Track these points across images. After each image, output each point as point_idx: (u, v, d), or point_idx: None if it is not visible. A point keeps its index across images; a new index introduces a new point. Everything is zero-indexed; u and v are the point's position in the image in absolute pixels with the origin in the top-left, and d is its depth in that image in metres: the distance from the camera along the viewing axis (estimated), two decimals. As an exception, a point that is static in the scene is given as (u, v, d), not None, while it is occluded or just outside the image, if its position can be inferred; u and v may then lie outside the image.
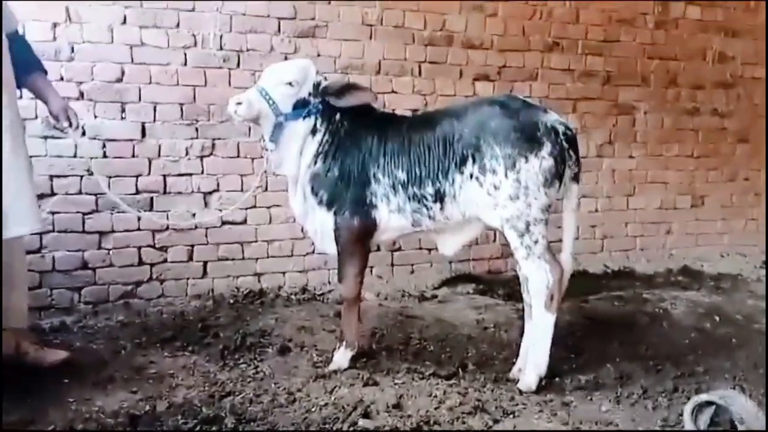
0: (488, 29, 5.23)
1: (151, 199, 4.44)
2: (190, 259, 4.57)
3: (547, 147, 3.05)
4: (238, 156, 4.62)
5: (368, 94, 3.29)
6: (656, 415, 2.88)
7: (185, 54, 4.47)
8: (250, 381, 3.18)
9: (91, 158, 3.96)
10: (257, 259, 4.73)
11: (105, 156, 4.31)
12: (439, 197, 3.19)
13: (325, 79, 3.35)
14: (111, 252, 4.37)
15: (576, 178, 3.19)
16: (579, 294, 4.68)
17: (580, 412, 2.89)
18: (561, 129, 3.09)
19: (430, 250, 5.09)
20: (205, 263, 4.60)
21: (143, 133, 4.40)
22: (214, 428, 2.65)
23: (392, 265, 5.10)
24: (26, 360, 3.24)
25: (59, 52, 4.18)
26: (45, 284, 4.23)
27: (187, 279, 4.57)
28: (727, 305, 4.60)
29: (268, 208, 4.72)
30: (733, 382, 3.24)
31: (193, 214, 4.51)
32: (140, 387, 3.07)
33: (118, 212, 4.26)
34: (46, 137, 4.17)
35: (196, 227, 4.46)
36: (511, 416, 2.83)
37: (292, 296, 4.67)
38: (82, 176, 4.25)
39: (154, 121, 4.42)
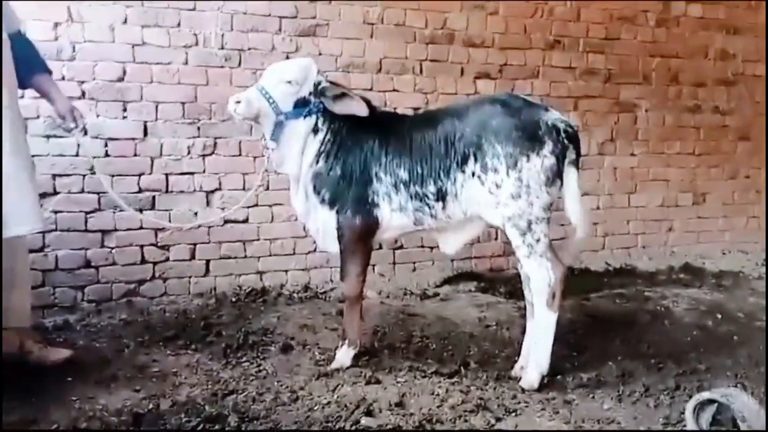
0: (489, 27, 5.24)
1: (153, 198, 4.45)
2: (193, 257, 4.58)
3: (549, 145, 3.05)
4: (239, 155, 4.63)
5: (361, 107, 3.23)
6: (658, 413, 2.88)
7: (187, 53, 4.47)
8: (253, 379, 3.19)
9: (94, 157, 3.95)
10: (259, 257, 4.74)
11: (107, 155, 4.32)
12: (441, 196, 3.20)
13: (327, 79, 3.35)
14: (114, 250, 4.38)
15: (575, 164, 3.15)
16: (581, 292, 4.70)
17: (582, 410, 2.90)
18: (562, 127, 3.09)
19: (432, 248, 5.10)
20: (208, 261, 4.61)
21: (145, 132, 4.41)
22: (217, 427, 2.65)
23: (394, 263, 5.10)
24: (30, 359, 3.25)
25: (61, 52, 4.19)
26: (48, 283, 4.24)
27: (190, 277, 4.58)
28: (728, 303, 4.60)
29: (270, 206, 4.73)
30: (734, 380, 3.24)
31: (195, 213, 4.52)
32: (143, 385, 3.08)
33: (121, 211, 4.26)
34: (48, 136, 4.18)
35: (199, 227, 4.46)
36: (514, 414, 2.83)
37: (295, 294, 4.68)
38: (84, 175, 4.26)
39: (156, 120, 4.43)
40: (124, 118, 4.36)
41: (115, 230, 4.37)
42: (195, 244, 4.57)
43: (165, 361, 3.41)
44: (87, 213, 4.30)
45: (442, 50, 5.11)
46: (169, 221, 4.38)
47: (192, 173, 4.53)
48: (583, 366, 3.40)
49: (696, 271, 5.64)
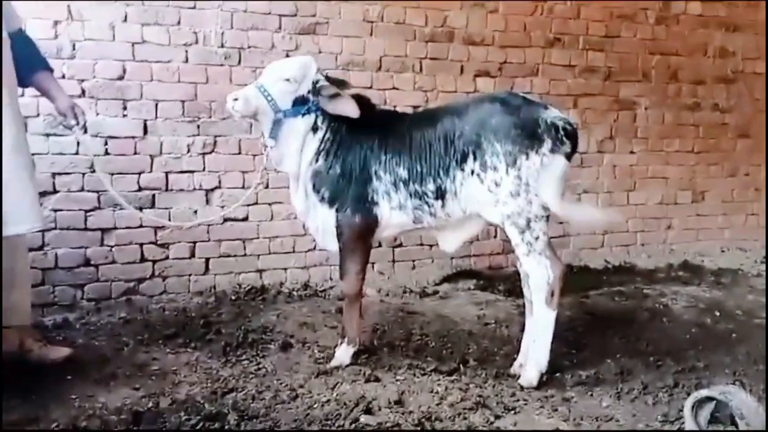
0: (489, 25, 5.24)
1: (153, 196, 4.45)
2: (192, 255, 4.58)
3: (548, 144, 3.05)
4: (239, 153, 4.63)
5: (351, 108, 3.20)
6: (657, 410, 2.88)
7: (186, 51, 4.48)
8: (252, 377, 3.19)
9: (93, 156, 3.96)
10: (259, 255, 4.75)
11: (107, 153, 4.32)
12: (440, 194, 3.20)
13: (326, 78, 3.34)
14: (113, 249, 4.39)
15: (567, 157, 3.11)
16: (579, 289, 4.71)
17: (581, 408, 2.90)
18: (561, 125, 3.09)
19: (431, 246, 5.10)
20: (207, 260, 4.62)
21: (145, 131, 4.42)
22: (216, 425, 2.66)
23: (393, 261, 5.11)
24: (30, 357, 3.26)
25: (61, 50, 4.19)
26: (48, 281, 4.25)
27: (189, 276, 4.58)
28: (727, 300, 4.62)
29: (270, 204, 4.74)
30: (733, 378, 3.24)
31: (195, 211, 4.53)
32: (143, 384, 3.09)
33: (121, 209, 4.27)
34: (48, 135, 4.18)
35: (199, 225, 4.47)
36: (513, 412, 2.83)
37: (294, 292, 4.68)
38: (84, 173, 4.27)
39: (156, 118, 4.44)
40: (124, 116, 4.37)
41: (115, 228, 4.38)
42: (195, 243, 4.58)
43: (164, 360, 3.42)
44: (87, 211, 4.31)
45: (442, 48, 5.11)
46: (169, 219, 4.39)
47: (192, 171, 4.54)
48: (582, 363, 3.41)
49: (695, 268, 5.64)
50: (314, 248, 4.74)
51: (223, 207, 4.48)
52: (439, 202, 3.22)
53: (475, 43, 5.20)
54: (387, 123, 3.36)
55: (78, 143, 4.15)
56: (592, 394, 3.05)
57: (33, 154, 3.33)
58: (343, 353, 3.37)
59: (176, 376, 3.19)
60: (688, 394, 2.76)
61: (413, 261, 5.17)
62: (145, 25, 4.37)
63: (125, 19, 4.33)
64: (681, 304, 4.48)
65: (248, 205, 4.61)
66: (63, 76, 4.13)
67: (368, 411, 2.79)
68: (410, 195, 3.23)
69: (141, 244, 4.45)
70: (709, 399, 2.54)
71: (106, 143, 4.32)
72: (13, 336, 3.22)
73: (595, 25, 5.55)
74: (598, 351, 3.59)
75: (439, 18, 5.08)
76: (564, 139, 3.08)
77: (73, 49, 4.23)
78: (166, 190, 4.49)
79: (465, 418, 2.75)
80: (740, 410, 2.42)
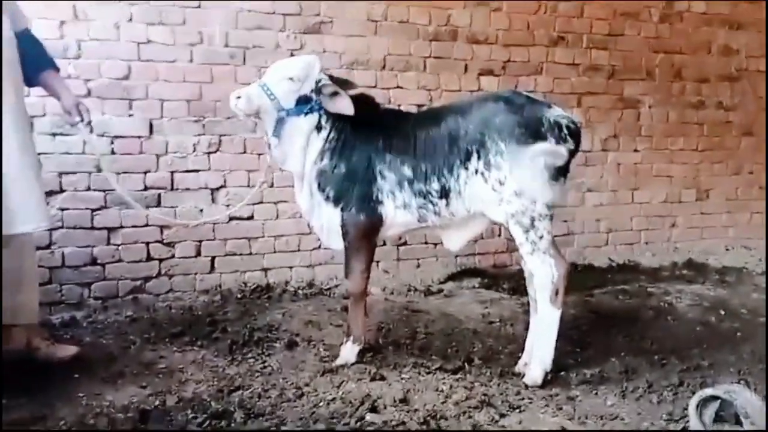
0: (493, 24, 5.24)
1: (159, 195, 4.47)
2: (198, 254, 4.60)
3: (552, 142, 3.06)
4: (244, 152, 4.65)
5: (346, 105, 3.20)
6: (661, 409, 2.88)
7: (191, 51, 4.49)
8: (258, 375, 3.20)
9: (100, 155, 3.98)
10: (264, 254, 4.77)
11: (113, 153, 4.34)
12: (445, 193, 3.21)
13: (330, 78, 3.34)
14: (120, 248, 4.41)
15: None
16: (584, 288, 4.71)
17: (586, 406, 2.90)
18: (565, 123, 3.10)
19: (435, 244, 5.11)
20: (213, 258, 4.64)
21: (150, 130, 4.44)
22: (223, 423, 2.67)
23: (398, 259, 5.12)
24: (37, 356, 3.28)
25: (66, 50, 4.21)
26: (55, 280, 4.27)
27: (195, 274, 4.60)
28: (731, 299, 4.61)
29: (275, 203, 4.76)
30: (738, 376, 3.23)
31: (201, 210, 4.54)
32: (150, 382, 3.10)
33: (127, 208, 4.28)
34: (54, 134, 4.20)
35: (204, 224, 4.48)
36: (517, 410, 2.84)
37: (299, 291, 4.70)
38: (90, 173, 4.29)
39: (162, 117, 4.46)
40: (130, 115, 4.39)
41: (121, 227, 4.40)
42: (200, 241, 4.60)
43: (171, 358, 3.43)
44: (93, 210, 4.33)
45: (446, 47, 5.11)
46: (175, 218, 4.41)
47: (197, 171, 4.56)
48: (587, 362, 3.41)
49: (699, 267, 5.64)
50: (319, 247, 4.76)
51: (228, 206, 4.50)
52: (444, 201, 3.22)
53: (478, 42, 5.20)
54: (391, 122, 3.37)
55: (84, 143, 4.17)
56: (596, 393, 3.05)
57: (39, 154, 3.36)
58: (349, 351, 3.38)
59: (183, 375, 3.20)
60: (693, 393, 2.77)
61: (418, 259, 5.18)
62: (150, 25, 4.38)
63: (130, 19, 4.34)
64: (685, 302, 4.48)
65: (253, 204, 4.63)
66: (69, 76, 4.14)
67: (374, 409, 2.79)
68: (415, 194, 3.24)
69: (147, 243, 4.47)
70: (714, 398, 2.54)
71: (112, 143, 4.34)
72: (20, 334, 3.25)
73: (598, 23, 5.55)
74: (603, 349, 3.59)
75: (443, 17, 5.09)
76: (567, 137, 3.09)
77: (79, 49, 4.25)
78: (172, 189, 4.50)
79: (470, 417, 2.75)
80: (745, 409, 2.42)
